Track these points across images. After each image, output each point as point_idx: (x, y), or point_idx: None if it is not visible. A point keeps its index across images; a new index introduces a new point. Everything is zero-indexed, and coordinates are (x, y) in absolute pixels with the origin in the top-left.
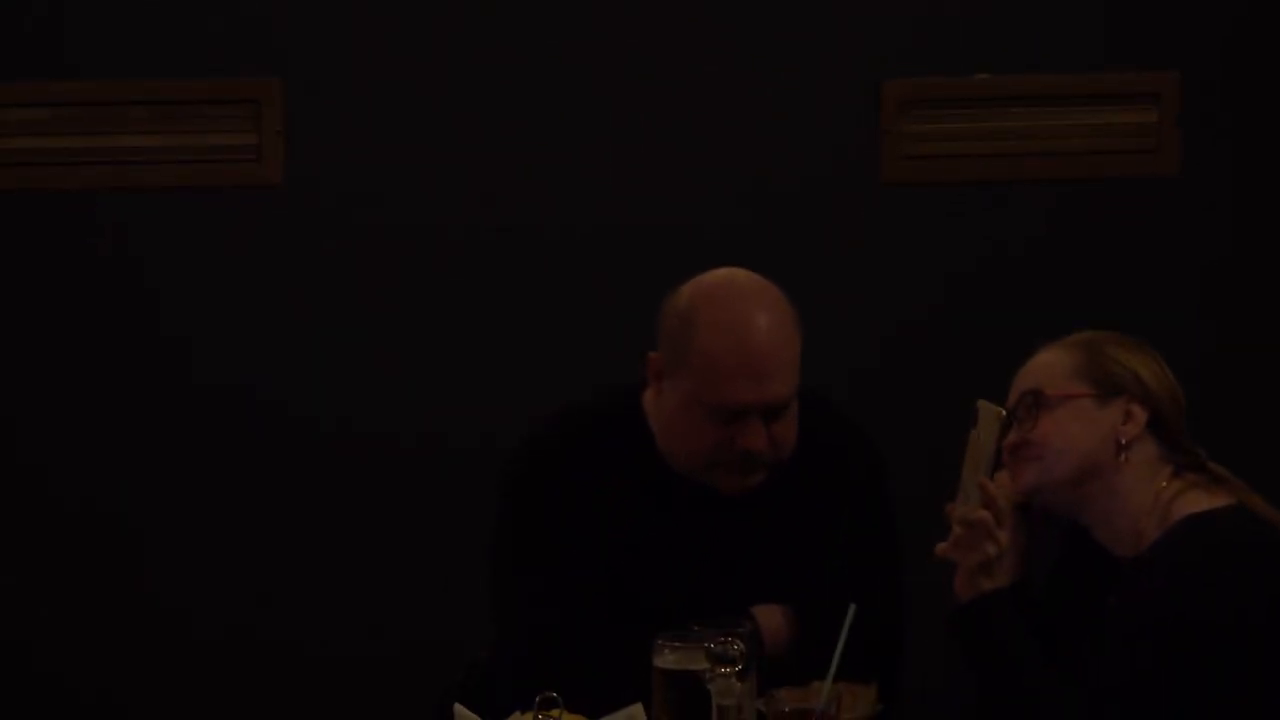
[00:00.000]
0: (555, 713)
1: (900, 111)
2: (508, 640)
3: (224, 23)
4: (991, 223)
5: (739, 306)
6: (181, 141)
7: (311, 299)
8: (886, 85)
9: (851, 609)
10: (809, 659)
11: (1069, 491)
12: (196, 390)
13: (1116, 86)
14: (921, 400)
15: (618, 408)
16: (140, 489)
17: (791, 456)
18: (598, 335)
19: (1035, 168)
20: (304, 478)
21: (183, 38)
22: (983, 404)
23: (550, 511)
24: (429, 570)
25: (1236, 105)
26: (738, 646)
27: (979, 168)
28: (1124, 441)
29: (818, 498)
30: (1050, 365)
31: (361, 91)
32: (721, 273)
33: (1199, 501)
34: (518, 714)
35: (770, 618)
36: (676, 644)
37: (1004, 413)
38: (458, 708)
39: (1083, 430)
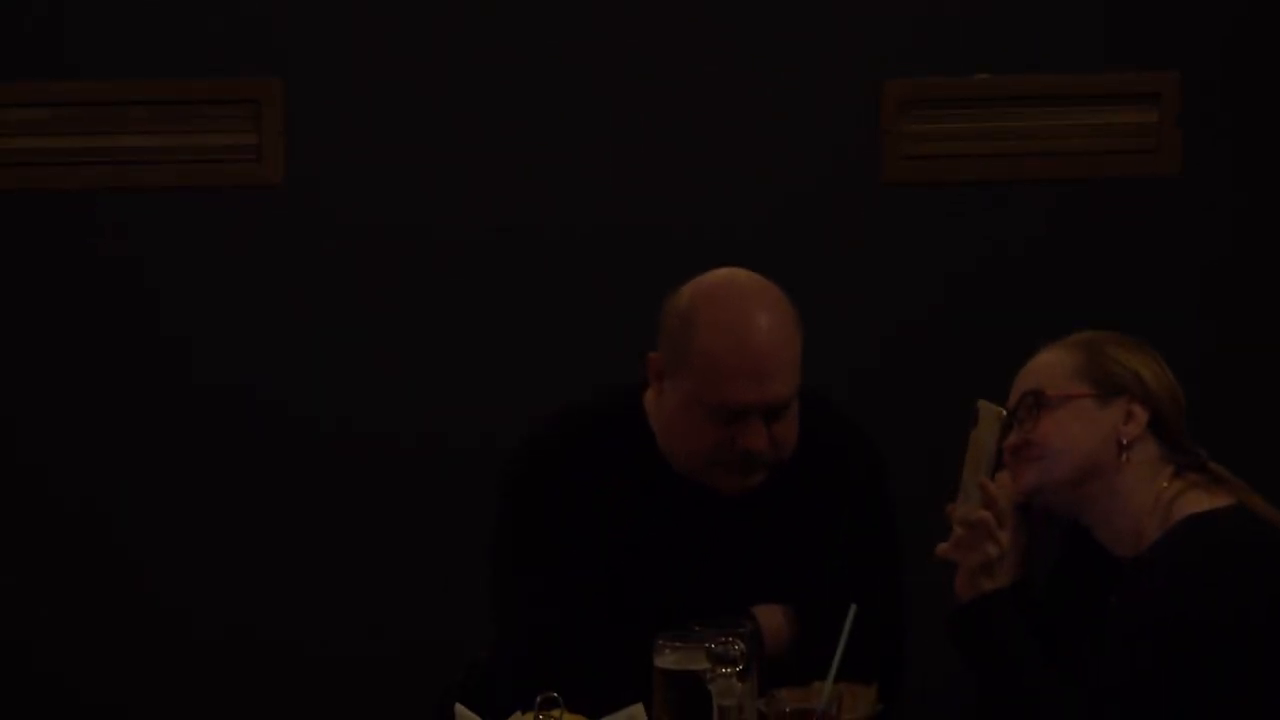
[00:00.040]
0: (556, 713)
1: (901, 111)
2: (508, 640)
3: (224, 23)
4: (992, 223)
5: (740, 306)
6: (182, 141)
7: (312, 299)
8: (887, 85)
9: (852, 609)
10: (810, 659)
11: (1070, 492)
12: (196, 390)
13: (1117, 86)
14: (921, 400)
15: (618, 408)
16: (140, 489)
17: (792, 456)
18: (598, 335)
19: (1036, 168)
20: (304, 478)
21: (183, 38)
22: (983, 404)
23: (550, 511)
24: (429, 570)
25: (1237, 105)
26: (738, 646)
27: (980, 168)
28: (1125, 442)
29: (818, 498)
30: (1051, 365)
31: (362, 91)
32: (722, 272)
33: (1200, 501)
34: (518, 714)
35: (771, 618)
36: (677, 644)
37: (1004, 413)
38: (459, 708)
39: (1084, 430)
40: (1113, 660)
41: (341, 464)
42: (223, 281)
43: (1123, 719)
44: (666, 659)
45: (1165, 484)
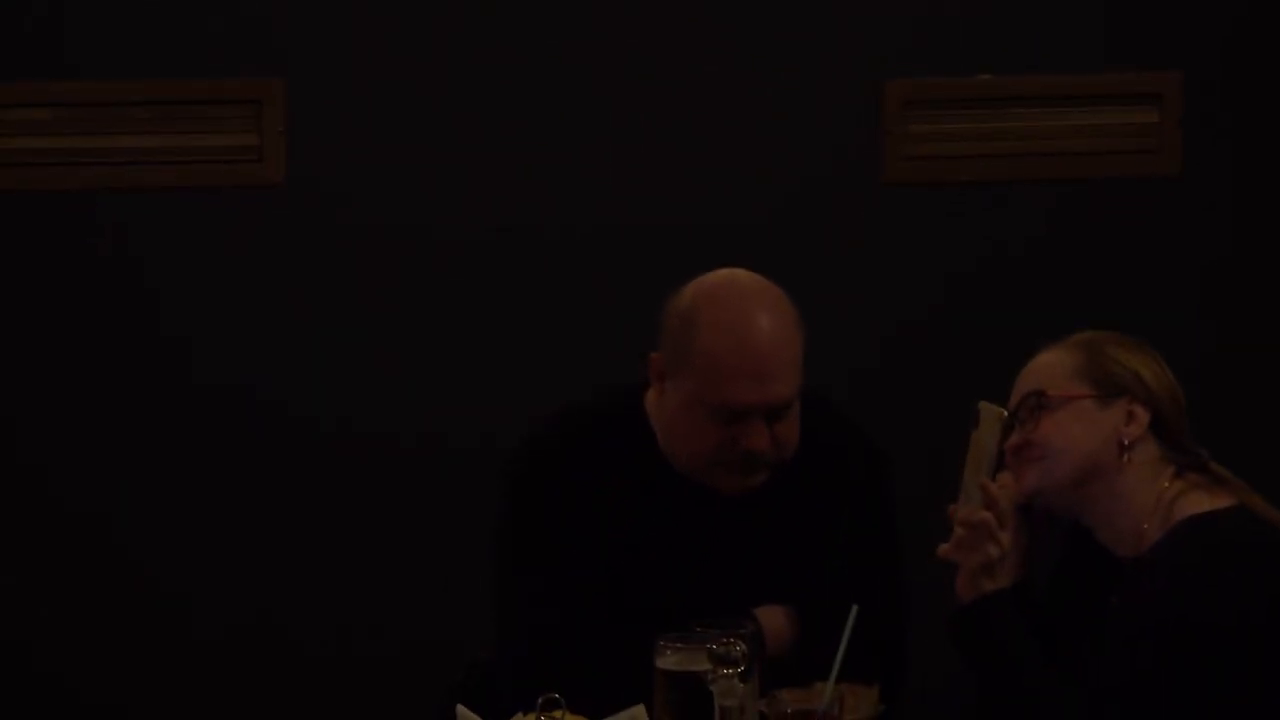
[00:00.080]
0: (558, 714)
1: (902, 112)
2: (508, 640)
3: (225, 23)
4: (992, 223)
5: (741, 307)
6: (182, 142)
7: (312, 299)
8: (888, 85)
9: (854, 610)
10: (811, 660)
11: (1071, 492)
12: (196, 390)
13: (1118, 87)
14: (921, 400)
15: (618, 408)
16: (140, 489)
17: (793, 457)
18: (598, 335)
19: (1036, 168)
20: (304, 478)
21: (184, 38)
22: (984, 405)
23: (551, 512)
24: (429, 570)
25: (1238, 105)
26: (740, 647)
27: (980, 168)
28: (1126, 442)
29: (818, 498)
30: (1052, 366)
31: (362, 92)
32: (723, 273)
33: (1201, 502)
34: (520, 715)
35: (772, 618)
36: (679, 645)
37: (1005, 414)
38: (460, 709)
39: (1085, 431)
40: (1113, 661)
41: (341, 464)
42: (223, 281)
43: (1123, 719)
44: (668, 660)
45: (1166, 485)
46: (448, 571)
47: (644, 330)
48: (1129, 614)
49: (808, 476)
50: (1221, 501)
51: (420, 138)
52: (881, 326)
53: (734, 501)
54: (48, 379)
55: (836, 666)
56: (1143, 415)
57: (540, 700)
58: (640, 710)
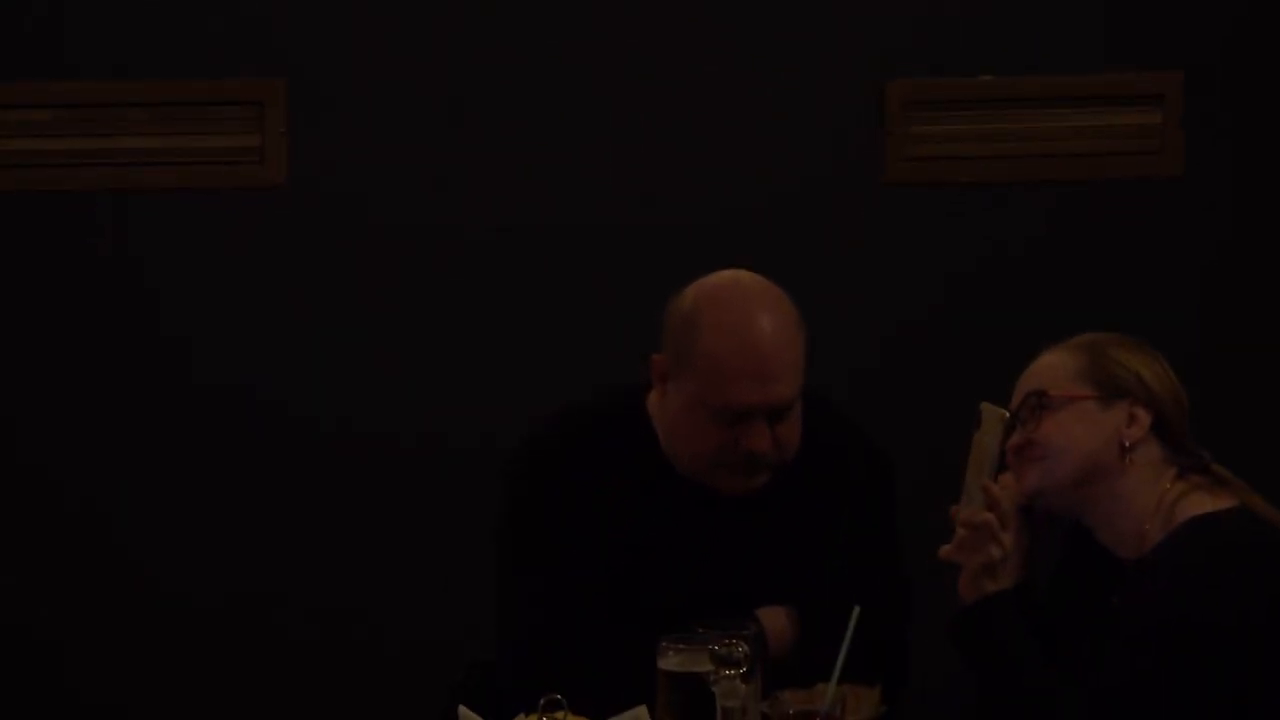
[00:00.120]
0: (560, 714)
1: (903, 112)
2: (509, 640)
3: (226, 23)
4: (993, 223)
5: (743, 308)
6: (183, 143)
7: (312, 299)
8: (888, 86)
9: (856, 611)
10: (813, 661)
11: (1072, 493)
12: (196, 390)
13: (1119, 88)
14: (922, 400)
15: (619, 408)
16: (140, 489)
17: (794, 457)
18: (598, 335)
19: (1037, 169)
20: (304, 478)
21: (184, 38)
22: (986, 406)
23: (552, 512)
24: (429, 570)
25: (1239, 106)
26: (742, 648)
27: (981, 168)
28: (1128, 444)
29: (819, 498)
30: (1054, 367)
31: (363, 92)
32: (725, 274)
33: (1202, 503)
34: (522, 716)
35: (775, 619)
36: (681, 646)
37: (1007, 415)
38: (462, 709)
39: (1086, 432)
40: (1114, 661)
41: (341, 464)
42: (223, 282)
43: None
44: (670, 661)
45: (1168, 486)
46: (448, 571)
47: (644, 330)
48: (1130, 615)
49: (809, 477)
50: (1223, 503)
51: (420, 138)
52: (882, 327)
53: (735, 502)
54: (48, 379)
55: (839, 667)
56: (1144, 417)
57: (542, 701)
58: (642, 711)
